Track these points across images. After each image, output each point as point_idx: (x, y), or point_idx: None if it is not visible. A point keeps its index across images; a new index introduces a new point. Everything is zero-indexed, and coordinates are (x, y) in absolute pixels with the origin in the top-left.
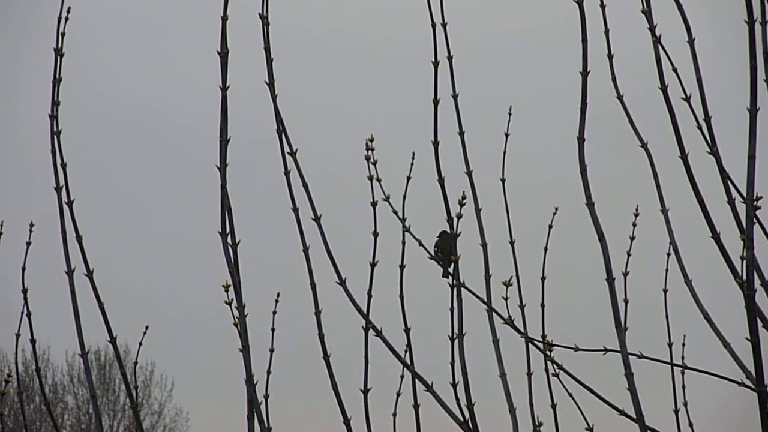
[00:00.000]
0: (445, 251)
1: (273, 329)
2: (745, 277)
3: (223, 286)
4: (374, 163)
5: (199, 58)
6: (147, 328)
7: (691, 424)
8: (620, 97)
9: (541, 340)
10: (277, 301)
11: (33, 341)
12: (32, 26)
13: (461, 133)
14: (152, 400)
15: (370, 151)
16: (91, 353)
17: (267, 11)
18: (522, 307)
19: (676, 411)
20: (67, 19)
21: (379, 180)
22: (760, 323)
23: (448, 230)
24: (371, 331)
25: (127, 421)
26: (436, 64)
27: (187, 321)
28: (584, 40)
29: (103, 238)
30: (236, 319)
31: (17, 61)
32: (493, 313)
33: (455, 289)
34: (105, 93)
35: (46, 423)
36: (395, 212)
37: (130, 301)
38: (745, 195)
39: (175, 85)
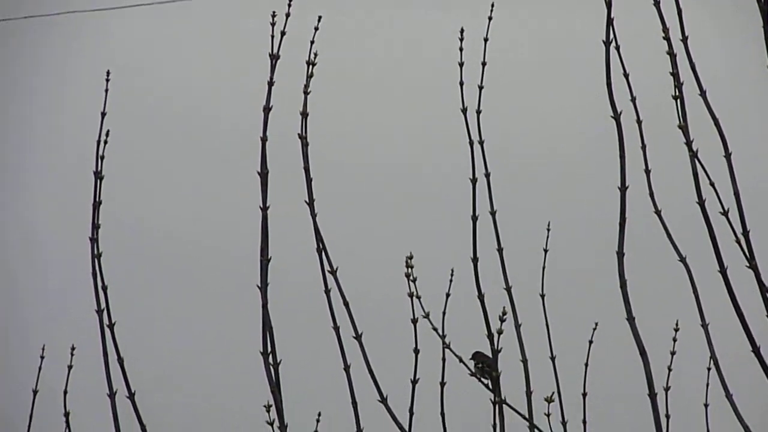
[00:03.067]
0: (486, 368)
1: None
2: None
3: (265, 406)
4: (414, 281)
5: (238, 178)
6: None
7: None
8: (658, 212)
9: None
10: (318, 421)
11: None
12: None
13: (500, 250)
14: None
15: (409, 269)
16: None
17: (306, 132)
18: (564, 423)
19: None
20: None
21: (418, 297)
22: None
23: (489, 346)
24: None
25: None
26: (474, 181)
27: None
28: (622, 156)
29: (142, 359)
30: None
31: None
32: (535, 430)
33: (496, 406)
34: (135, 217)
35: None
36: (435, 329)
37: (172, 423)
38: None
39: (211, 207)
